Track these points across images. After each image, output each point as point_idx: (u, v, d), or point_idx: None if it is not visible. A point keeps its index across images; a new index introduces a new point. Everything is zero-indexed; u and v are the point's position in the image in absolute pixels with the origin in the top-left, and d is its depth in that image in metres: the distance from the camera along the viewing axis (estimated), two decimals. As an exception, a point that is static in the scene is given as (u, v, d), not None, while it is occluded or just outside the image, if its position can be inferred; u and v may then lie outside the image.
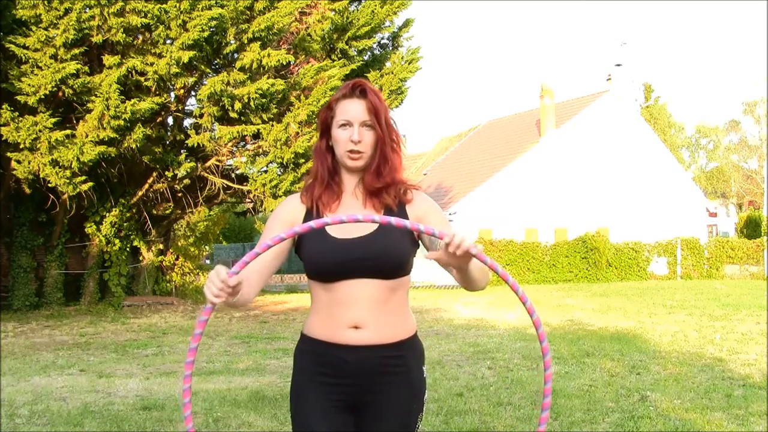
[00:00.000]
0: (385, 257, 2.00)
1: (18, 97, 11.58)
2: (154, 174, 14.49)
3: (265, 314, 13.97)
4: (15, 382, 6.85)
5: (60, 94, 11.99)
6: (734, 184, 50.40)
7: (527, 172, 24.86)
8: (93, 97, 11.83)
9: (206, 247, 21.10)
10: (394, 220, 1.76)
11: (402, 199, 2.09)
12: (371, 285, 2.00)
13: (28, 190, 13.38)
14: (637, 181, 25.90)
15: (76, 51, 11.60)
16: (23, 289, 14.40)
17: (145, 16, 11.64)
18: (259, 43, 12.56)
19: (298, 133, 13.33)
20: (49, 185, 12.36)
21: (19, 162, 12.01)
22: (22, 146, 11.69)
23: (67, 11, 11.33)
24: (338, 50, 14.79)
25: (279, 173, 13.90)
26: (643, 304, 14.55)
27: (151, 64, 12.01)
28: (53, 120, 11.66)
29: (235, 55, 12.97)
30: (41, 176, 12.09)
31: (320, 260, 2.01)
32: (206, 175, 14.49)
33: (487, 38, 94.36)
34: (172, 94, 13.74)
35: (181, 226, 18.23)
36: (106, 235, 14.48)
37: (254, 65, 12.53)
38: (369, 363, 2.01)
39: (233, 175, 15.47)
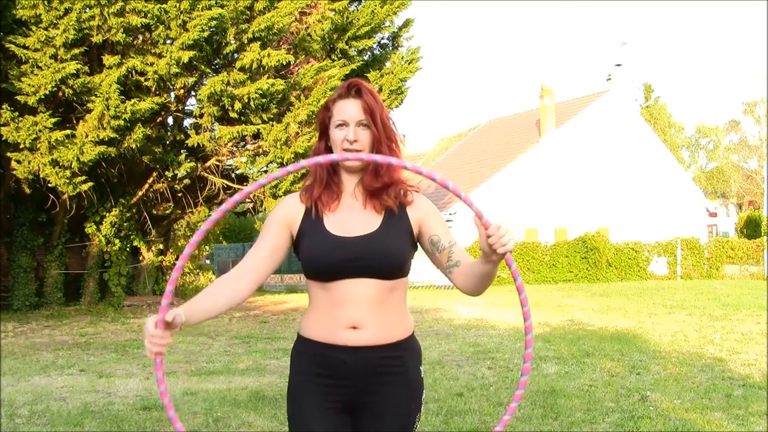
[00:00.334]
0: (384, 257, 2.00)
1: (18, 97, 11.58)
2: (154, 174, 14.49)
3: (265, 314, 13.98)
4: (15, 382, 6.85)
5: (60, 94, 11.99)
6: (734, 184, 50.40)
7: (527, 172, 24.86)
8: (93, 97, 11.83)
9: (206, 247, 21.13)
10: (397, 162, 1.83)
11: (402, 200, 2.09)
12: (370, 285, 2.00)
13: (28, 190, 13.38)
14: (637, 181, 25.90)
15: (76, 51, 11.60)
16: (23, 289, 14.41)
17: (145, 16, 11.65)
18: (259, 43, 12.56)
19: (298, 133, 13.33)
20: (49, 185, 12.36)
21: (19, 162, 12.01)
22: (22, 146, 11.69)
23: (67, 11, 11.33)
24: (338, 50, 14.79)
25: (279, 173, 13.88)
26: (643, 304, 14.55)
27: (151, 64, 12.02)
28: (53, 120, 11.67)
29: (235, 55, 12.97)
30: (41, 176, 12.10)
31: (319, 258, 2.01)
32: (206, 175, 14.49)
33: (487, 38, 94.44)
34: (172, 94, 13.74)
35: (181, 226, 18.22)
36: (106, 235, 14.49)
37: (254, 65, 12.53)
38: (367, 364, 2.01)
39: (233, 175, 15.47)
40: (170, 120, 15.00)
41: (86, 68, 11.97)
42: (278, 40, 13.63)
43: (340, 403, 2.04)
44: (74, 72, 11.48)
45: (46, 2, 11.28)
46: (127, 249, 15.35)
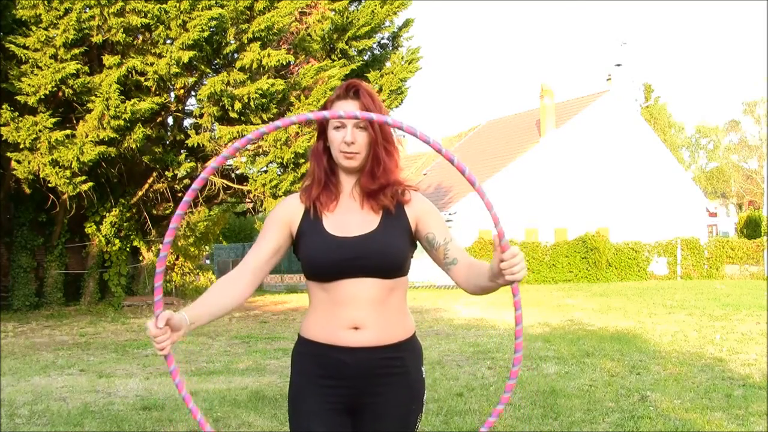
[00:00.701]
0: (383, 256, 2.00)
1: (18, 97, 11.59)
2: (154, 174, 14.49)
3: (265, 314, 13.98)
4: (15, 382, 6.85)
5: (60, 94, 11.99)
6: (734, 184, 50.41)
7: (527, 172, 24.87)
8: (93, 97, 11.83)
9: (206, 247, 21.12)
10: (387, 119, 1.81)
11: (400, 199, 2.09)
12: (370, 284, 2.00)
13: (28, 190, 13.39)
14: (637, 181, 25.90)
15: (76, 51, 11.61)
16: (23, 289, 14.42)
17: (145, 16, 11.65)
18: (259, 43, 12.56)
19: (298, 133, 13.33)
20: (49, 185, 12.36)
21: (19, 162, 12.02)
22: (22, 146, 11.69)
23: (67, 11, 11.33)
24: (338, 50, 14.79)
25: (279, 173, 13.90)
26: (643, 304, 14.55)
27: (151, 64, 12.02)
28: (53, 120, 11.67)
29: (235, 55, 12.97)
30: (41, 176, 12.10)
31: (318, 258, 2.01)
32: (206, 175, 14.46)
33: (487, 38, 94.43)
34: (172, 94, 13.74)
35: (181, 226, 18.22)
36: (106, 235, 14.49)
37: (254, 65, 12.53)
38: (368, 365, 2.01)
39: (233, 175, 15.46)
40: (170, 120, 15.00)
41: (86, 68, 11.97)
42: (278, 40, 13.63)
43: (341, 404, 2.04)
44: (74, 72, 11.48)
45: (46, 2, 11.28)
46: (127, 249, 15.35)
